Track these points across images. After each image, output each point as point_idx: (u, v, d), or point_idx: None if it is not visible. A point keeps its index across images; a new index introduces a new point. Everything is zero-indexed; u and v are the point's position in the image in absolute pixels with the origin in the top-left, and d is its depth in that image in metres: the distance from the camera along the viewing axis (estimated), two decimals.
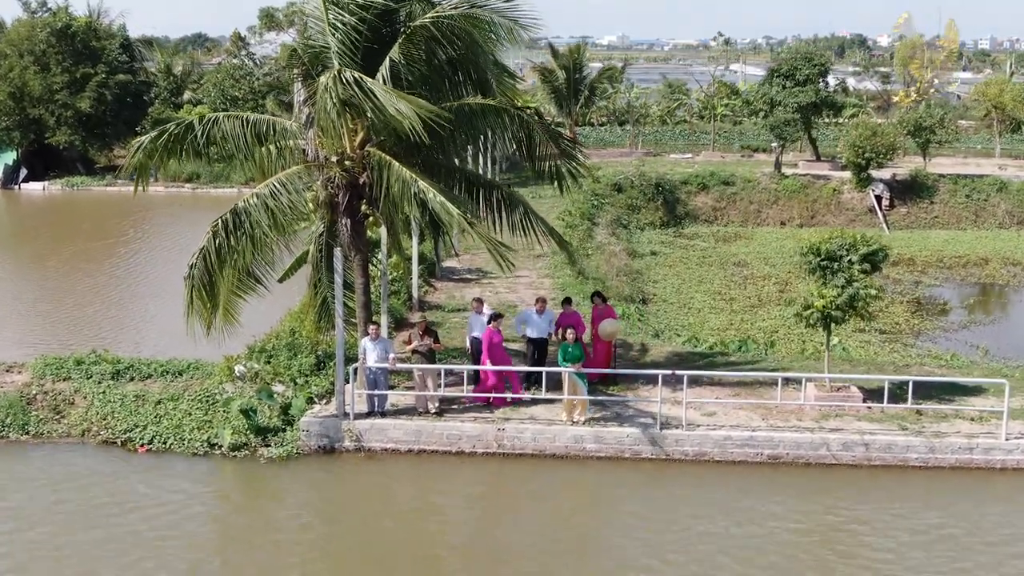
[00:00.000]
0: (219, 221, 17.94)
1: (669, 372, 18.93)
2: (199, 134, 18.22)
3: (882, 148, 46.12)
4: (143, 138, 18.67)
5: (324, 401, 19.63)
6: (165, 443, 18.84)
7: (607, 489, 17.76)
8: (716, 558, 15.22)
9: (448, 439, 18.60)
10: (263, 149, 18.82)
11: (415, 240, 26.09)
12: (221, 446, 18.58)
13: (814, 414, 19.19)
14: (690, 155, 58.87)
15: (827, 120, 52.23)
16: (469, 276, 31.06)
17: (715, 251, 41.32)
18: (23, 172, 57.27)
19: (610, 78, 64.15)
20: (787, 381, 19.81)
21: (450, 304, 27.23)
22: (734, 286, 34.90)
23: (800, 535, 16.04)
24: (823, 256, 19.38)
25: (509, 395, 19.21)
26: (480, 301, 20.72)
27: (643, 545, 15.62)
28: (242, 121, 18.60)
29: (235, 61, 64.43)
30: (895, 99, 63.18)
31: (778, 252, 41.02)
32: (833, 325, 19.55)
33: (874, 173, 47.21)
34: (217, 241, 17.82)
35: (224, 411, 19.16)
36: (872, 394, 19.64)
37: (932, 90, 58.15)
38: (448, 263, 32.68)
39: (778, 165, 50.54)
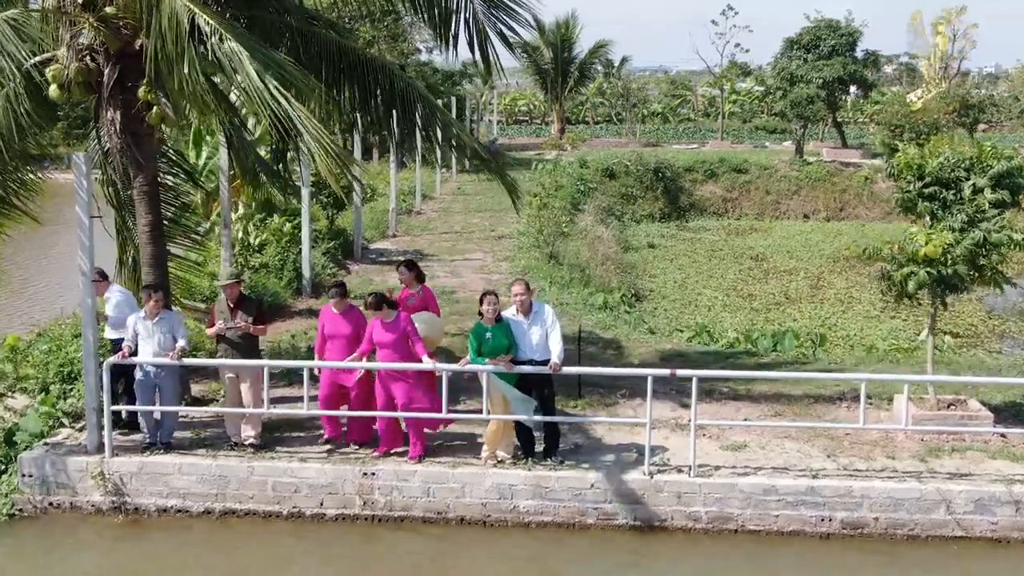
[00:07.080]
0: None
1: (666, 372, 10.82)
2: None
3: (923, 127, 38.71)
4: None
5: (82, 425, 11.72)
6: None
7: None
8: None
9: (276, 492, 10.60)
10: None
11: (305, 193, 18.25)
12: None
13: (914, 446, 11.23)
14: (695, 145, 51.23)
15: (855, 96, 44.70)
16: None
17: (727, 244, 34.04)
18: None
19: (603, 60, 56.58)
20: (854, 398, 11.80)
21: (360, 290, 19.40)
22: (752, 281, 27.92)
23: None
24: (928, 181, 11.44)
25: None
26: (101, 278, 11.32)
27: None
28: None
29: None
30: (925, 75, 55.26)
31: (804, 245, 33.86)
32: (947, 294, 11.54)
33: None
34: None
35: None
36: (1000, 416, 11.78)
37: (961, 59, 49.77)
38: (380, 244, 25.11)
39: (799, 150, 43.23)
